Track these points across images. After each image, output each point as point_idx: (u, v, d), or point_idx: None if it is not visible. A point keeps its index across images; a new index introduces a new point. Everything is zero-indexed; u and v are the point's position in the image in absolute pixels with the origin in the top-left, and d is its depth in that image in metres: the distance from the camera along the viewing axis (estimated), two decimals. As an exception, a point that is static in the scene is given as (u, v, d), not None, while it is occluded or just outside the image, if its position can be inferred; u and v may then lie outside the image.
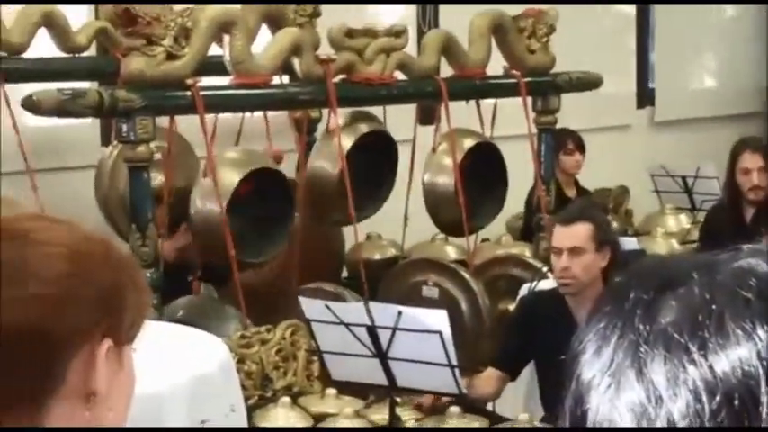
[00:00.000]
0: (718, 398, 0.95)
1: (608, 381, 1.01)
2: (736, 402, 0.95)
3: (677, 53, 9.58)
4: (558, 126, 6.42)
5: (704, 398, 0.96)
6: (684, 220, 7.67)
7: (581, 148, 7.40)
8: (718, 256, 1.05)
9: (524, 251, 6.29)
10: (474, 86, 6.01)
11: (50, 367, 1.24)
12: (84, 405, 1.26)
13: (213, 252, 5.10)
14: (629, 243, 5.63)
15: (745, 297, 0.99)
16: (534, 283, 5.24)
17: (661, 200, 8.13)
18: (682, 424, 0.96)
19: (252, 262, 5.31)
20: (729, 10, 10.08)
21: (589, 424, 1.02)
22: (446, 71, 6.06)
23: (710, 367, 0.97)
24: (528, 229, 6.74)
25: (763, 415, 0.95)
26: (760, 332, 0.97)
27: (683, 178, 8.04)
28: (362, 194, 5.77)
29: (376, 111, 5.99)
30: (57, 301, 1.24)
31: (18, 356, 1.22)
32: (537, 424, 4.33)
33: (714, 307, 0.99)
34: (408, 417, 4.39)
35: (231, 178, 5.10)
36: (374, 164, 5.85)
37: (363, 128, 5.79)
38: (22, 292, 1.23)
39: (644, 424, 0.98)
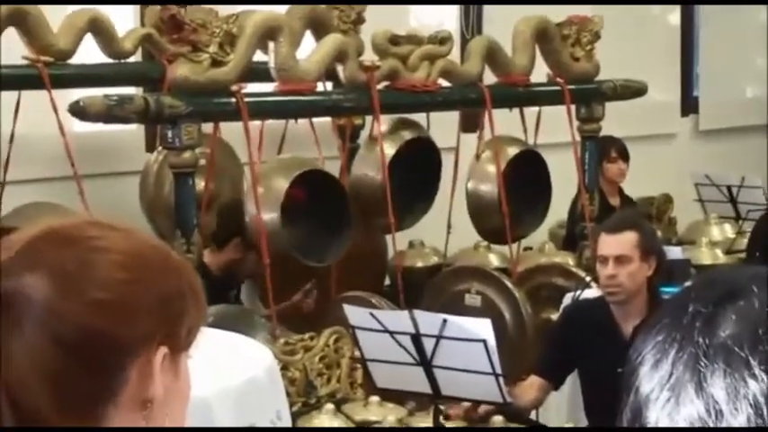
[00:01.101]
0: (778, 412, 0.95)
1: (667, 394, 1.00)
2: (791, 417, 0.95)
3: (722, 61, 9.52)
4: (601, 134, 6.40)
5: (765, 412, 0.95)
6: (729, 229, 7.61)
7: (625, 156, 7.35)
8: (776, 269, 1.04)
9: (567, 260, 6.26)
10: (518, 94, 6.00)
11: (109, 374, 1.24)
12: (140, 413, 1.26)
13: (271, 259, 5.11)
14: (674, 252, 5.60)
15: (805, 311, 0.98)
16: (578, 292, 5.22)
17: (705, 209, 8.07)
18: (743, 438, 0.95)
19: (316, 265, 5.35)
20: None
21: (648, 437, 1.01)
22: (489, 78, 6.05)
23: (772, 382, 0.96)
24: (571, 238, 6.72)
25: (823, 429, 0.94)
26: (819, 346, 0.96)
27: (729, 187, 7.99)
28: (406, 202, 5.78)
29: (419, 117, 6.00)
30: (117, 307, 1.24)
31: (78, 363, 1.22)
32: (581, 433, 4.31)
33: (774, 321, 0.98)
34: (453, 425, 4.38)
35: (281, 184, 5.12)
36: (419, 171, 5.86)
37: (407, 135, 5.80)
38: (84, 298, 1.24)
39: (704, 438, 0.97)
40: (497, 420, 4.36)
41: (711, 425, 0.96)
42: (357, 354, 4.58)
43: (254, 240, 5.10)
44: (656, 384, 1.01)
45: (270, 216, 5.03)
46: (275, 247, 4.96)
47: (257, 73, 5.23)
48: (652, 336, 1.05)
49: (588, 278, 5.27)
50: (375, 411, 4.54)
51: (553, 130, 6.11)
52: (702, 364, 0.98)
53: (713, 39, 9.45)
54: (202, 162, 5.23)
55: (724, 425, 0.96)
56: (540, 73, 6.15)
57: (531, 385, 4.66)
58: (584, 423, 4.60)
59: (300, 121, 5.79)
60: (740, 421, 0.95)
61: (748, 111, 9.74)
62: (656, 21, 9.12)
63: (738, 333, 0.98)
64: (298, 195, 5.15)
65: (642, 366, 1.03)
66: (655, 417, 1.00)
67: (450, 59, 5.78)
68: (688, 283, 1.08)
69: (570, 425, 4.33)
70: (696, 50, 9.49)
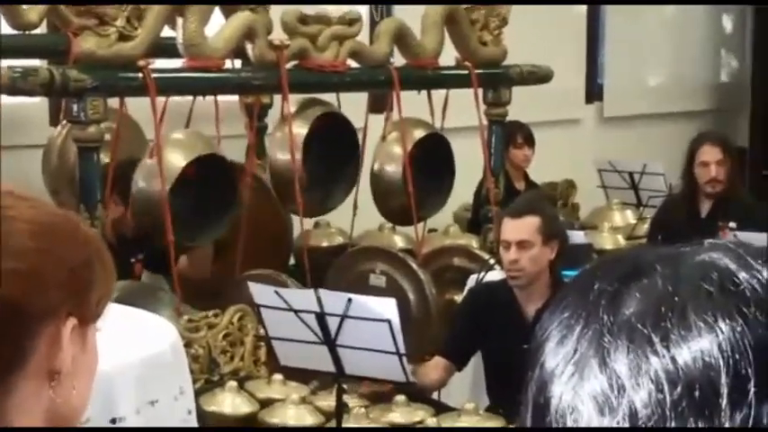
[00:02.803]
0: (679, 389, 0.97)
1: (571, 369, 1.02)
2: (697, 393, 0.96)
3: (627, 49, 9.65)
4: (508, 119, 6.45)
5: (666, 388, 0.97)
6: (630, 215, 7.73)
7: (530, 141, 7.43)
8: (681, 249, 1.06)
9: (472, 242, 6.31)
10: (426, 76, 6.03)
11: (18, 344, 1.23)
12: (47, 383, 1.25)
13: (151, 232, 5.09)
14: (576, 236, 5.67)
15: (707, 290, 1.00)
16: (482, 274, 5.27)
17: (608, 195, 8.18)
18: (643, 413, 0.97)
19: (187, 245, 5.33)
20: (680, 6, 10.16)
21: (551, 412, 1.03)
22: (399, 61, 6.07)
23: (673, 358, 0.98)
24: (476, 221, 6.77)
25: (723, 406, 0.96)
26: (721, 325, 0.98)
27: (630, 174, 8.10)
28: (328, 183, 5.81)
29: (329, 99, 5.99)
30: (26, 277, 1.23)
31: None
32: (482, 413, 4.35)
33: (677, 299, 1.00)
34: (355, 404, 4.40)
35: (177, 161, 5.09)
36: (336, 152, 5.90)
37: (317, 111, 5.80)
38: None
39: (606, 413, 0.99)
40: (400, 400, 4.39)
41: (614, 399, 0.98)
42: (261, 332, 4.59)
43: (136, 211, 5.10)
44: (561, 360, 1.02)
45: (157, 190, 5.00)
46: (158, 221, 4.94)
47: (165, 49, 5.19)
48: (558, 312, 1.06)
49: (492, 261, 5.32)
50: (278, 389, 4.54)
51: (461, 113, 6.15)
52: (606, 340, 1.00)
53: (619, 27, 9.56)
54: (107, 137, 5.18)
55: (625, 400, 0.98)
56: (449, 57, 6.18)
57: (436, 365, 4.70)
58: (485, 403, 4.64)
59: (208, 98, 5.76)
60: (641, 396, 0.97)
61: (651, 99, 9.89)
62: (563, 8, 9.21)
63: (642, 311, 1.00)
64: (188, 172, 5.12)
65: (548, 342, 1.05)
66: (559, 391, 1.02)
67: (358, 41, 5.78)
68: (594, 263, 1.10)
69: (471, 405, 4.37)
70: (602, 38, 9.59)
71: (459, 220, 7.28)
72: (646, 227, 7.11)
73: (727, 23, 10.47)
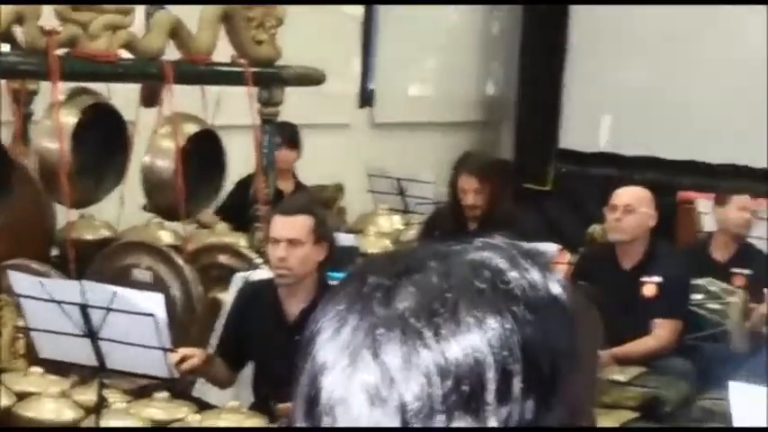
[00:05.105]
0: (449, 382, 0.99)
1: (345, 361, 1.03)
2: (465, 387, 0.99)
3: (399, 56, 9.76)
4: (279, 119, 6.46)
5: (435, 381, 0.99)
6: (397, 221, 7.84)
7: (297, 142, 7.47)
8: (454, 247, 1.09)
9: (239, 240, 6.29)
10: (199, 72, 5.98)
11: None
12: None
13: None
14: (345, 239, 5.72)
15: (479, 288, 1.03)
16: (248, 273, 5.27)
17: (375, 200, 8.28)
18: (414, 406, 0.99)
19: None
20: (454, 16, 10.35)
21: (322, 404, 1.03)
22: (174, 56, 6.00)
23: (443, 353, 1.00)
24: (236, 215, 6.70)
25: (489, 400, 0.99)
26: (491, 322, 1.01)
27: (398, 180, 8.23)
28: (92, 174, 5.71)
29: (100, 89, 5.88)
30: None
31: None
32: (244, 411, 4.34)
33: (449, 295, 1.02)
34: (116, 399, 4.33)
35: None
36: (106, 144, 5.79)
37: (87, 101, 5.69)
38: None
39: (377, 405, 1.00)
40: (162, 396, 4.35)
41: (385, 392, 1.00)
42: (21, 323, 4.47)
43: None
44: (334, 352, 1.03)
45: None
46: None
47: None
48: (332, 305, 1.07)
49: (259, 260, 5.32)
50: (36, 382, 4.43)
51: (234, 111, 6.12)
52: (379, 333, 1.01)
53: (392, 33, 9.66)
54: None
55: (396, 392, 0.99)
56: (226, 54, 6.14)
57: (221, 364, 4.66)
58: (249, 400, 4.63)
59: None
60: (412, 389, 0.99)
61: (422, 107, 10.04)
62: (340, 11, 9.27)
63: (415, 305, 1.02)
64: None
65: (320, 335, 1.05)
66: (330, 383, 1.03)
67: (132, 32, 5.70)
68: (370, 258, 1.12)
69: (235, 403, 4.36)
70: (375, 44, 9.68)
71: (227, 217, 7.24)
72: (412, 233, 7.22)
73: (496, 29, 10.70)
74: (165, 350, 4.03)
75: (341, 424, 1.01)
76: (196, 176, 5.98)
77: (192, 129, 5.99)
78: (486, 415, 0.98)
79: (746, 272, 6.15)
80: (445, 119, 10.05)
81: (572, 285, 1.09)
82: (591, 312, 1.04)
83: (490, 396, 0.99)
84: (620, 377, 5.29)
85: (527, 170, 10.12)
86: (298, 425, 1.05)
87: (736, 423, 3.62)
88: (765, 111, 9.13)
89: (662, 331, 5.61)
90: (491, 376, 0.99)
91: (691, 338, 5.83)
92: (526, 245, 1.10)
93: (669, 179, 9.25)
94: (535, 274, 1.05)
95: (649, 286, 5.67)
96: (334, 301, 1.08)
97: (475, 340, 1.00)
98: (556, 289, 1.06)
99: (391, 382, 1.00)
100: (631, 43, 9.83)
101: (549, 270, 1.07)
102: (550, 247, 5.77)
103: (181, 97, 5.89)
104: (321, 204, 6.67)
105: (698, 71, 9.57)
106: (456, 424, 0.97)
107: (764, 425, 3.55)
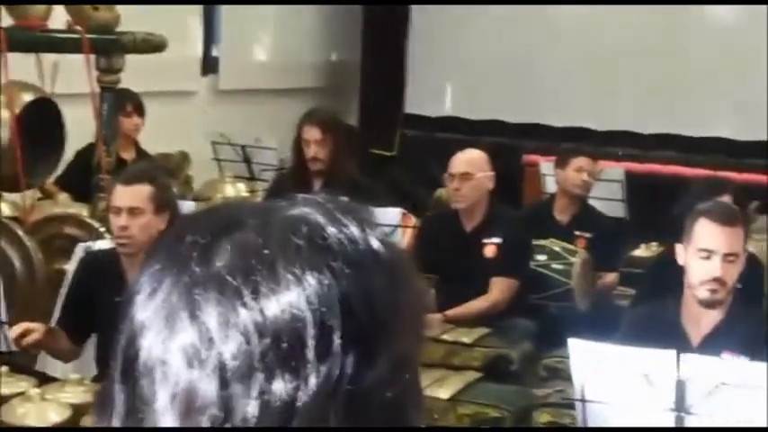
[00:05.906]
0: (267, 340, 0.98)
1: (162, 322, 1.01)
2: (284, 345, 0.98)
3: (242, 23, 9.71)
4: (120, 87, 6.35)
5: (254, 340, 0.98)
6: (243, 188, 7.81)
7: (140, 110, 7.38)
8: (273, 204, 1.08)
9: (82, 211, 6.19)
10: (34, 38, 5.83)
11: None
12: None
13: None
14: (188, 207, 5.66)
15: (296, 244, 1.02)
16: (90, 243, 5.19)
17: (221, 168, 8.24)
18: (232, 365, 0.98)
19: None
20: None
21: (141, 364, 1.02)
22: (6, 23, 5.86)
23: (261, 311, 0.99)
24: (77, 185, 6.60)
25: (309, 357, 0.99)
26: (309, 278, 1.01)
27: (243, 148, 8.19)
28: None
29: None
30: None
31: None
32: (87, 383, 4.28)
33: (267, 252, 1.01)
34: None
35: None
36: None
37: None
38: None
39: (195, 365, 0.99)
40: (3, 370, 4.25)
41: (203, 352, 0.99)
42: None
43: None
44: (152, 312, 1.02)
45: None
46: None
47: None
48: (150, 265, 1.06)
49: (102, 229, 5.25)
50: None
51: (72, 79, 6.00)
52: (197, 292, 1.00)
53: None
54: None
55: (215, 352, 0.98)
56: (61, 21, 6.02)
57: (63, 337, 4.56)
58: (92, 372, 4.57)
59: None
60: (230, 348, 0.98)
61: (265, 74, 10.00)
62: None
63: (232, 263, 1.01)
64: None
65: (138, 295, 1.04)
66: (149, 343, 1.01)
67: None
68: (187, 216, 1.10)
69: (77, 376, 4.29)
70: (218, 11, 9.60)
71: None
72: (258, 200, 7.20)
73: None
74: (1, 323, 3.94)
75: (159, 384, 1.00)
76: (35, 147, 5.85)
77: (28, 97, 5.86)
78: (306, 372, 0.98)
79: (587, 235, 6.29)
80: (290, 85, 10.02)
81: (409, 252, 1.10)
82: (413, 271, 1.04)
83: (310, 353, 0.98)
84: (466, 339, 5.35)
85: (373, 136, 10.16)
86: (116, 385, 1.03)
87: (576, 379, 3.69)
88: (609, 74, 9.31)
89: (495, 290, 5.68)
90: (310, 333, 0.99)
91: (535, 298, 5.93)
92: (346, 201, 1.10)
93: (514, 142, 9.39)
94: (354, 229, 1.05)
95: (490, 247, 5.75)
96: (153, 261, 1.07)
97: (293, 297, 0.99)
98: (375, 244, 1.06)
99: (210, 342, 0.99)
100: (476, 7, 9.90)
101: (369, 225, 1.07)
102: (393, 211, 5.81)
103: (16, 65, 5.75)
104: (165, 173, 6.60)
105: (542, 36, 9.70)
106: (276, 382, 0.97)
107: (603, 380, 3.63)
